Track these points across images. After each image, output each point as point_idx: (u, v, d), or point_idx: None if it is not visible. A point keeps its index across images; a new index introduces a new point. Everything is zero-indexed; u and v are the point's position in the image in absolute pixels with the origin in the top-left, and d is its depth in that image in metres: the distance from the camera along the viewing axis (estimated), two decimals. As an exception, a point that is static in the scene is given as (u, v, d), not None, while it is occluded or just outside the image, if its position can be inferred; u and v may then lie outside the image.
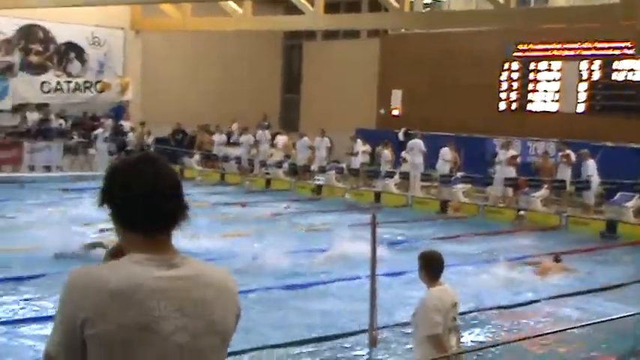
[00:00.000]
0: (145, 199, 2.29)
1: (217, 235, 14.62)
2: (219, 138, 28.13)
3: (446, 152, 22.57)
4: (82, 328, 2.18)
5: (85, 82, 29.46)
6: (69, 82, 29.14)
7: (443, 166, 22.54)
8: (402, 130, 26.63)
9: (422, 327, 5.85)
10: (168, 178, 2.36)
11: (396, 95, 29.08)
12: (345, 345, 8.96)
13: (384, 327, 6.78)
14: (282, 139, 27.50)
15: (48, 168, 26.25)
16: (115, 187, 2.33)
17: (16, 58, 28.34)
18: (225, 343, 2.37)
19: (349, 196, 22.96)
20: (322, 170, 24.77)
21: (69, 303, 2.22)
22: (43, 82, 28.69)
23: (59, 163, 26.67)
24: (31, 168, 25.93)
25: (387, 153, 23.66)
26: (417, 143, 22.95)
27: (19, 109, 28.14)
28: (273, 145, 27.22)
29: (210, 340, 2.31)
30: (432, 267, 6.01)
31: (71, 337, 2.21)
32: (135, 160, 2.39)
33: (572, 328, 9.10)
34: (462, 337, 6.28)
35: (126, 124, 29.01)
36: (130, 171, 2.35)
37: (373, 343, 6.05)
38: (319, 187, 23.92)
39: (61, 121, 28.23)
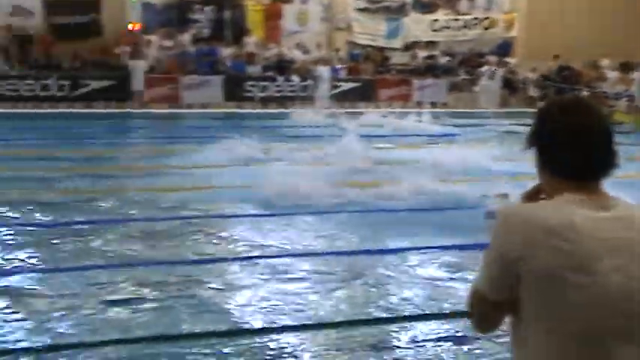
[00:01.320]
0: (576, 148, 2.23)
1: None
2: (610, 74, 26.58)
3: None
4: (517, 264, 2.19)
5: (473, 19, 29.76)
6: (457, 19, 29.68)
7: None
8: None
9: None
10: (601, 127, 2.26)
11: None
12: None
13: None
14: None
15: (434, 104, 27.15)
16: (544, 132, 2.30)
17: (408, -2, 29.56)
18: None
19: None
20: None
21: (503, 240, 2.23)
22: (433, 21, 29.59)
23: (444, 99, 27.47)
24: (419, 104, 27.02)
25: None
26: None
27: (409, 47, 29.46)
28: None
29: None
30: None
31: (504, 273, 2.23)
32: (568, 106, 2.32)
33: None
34: None
35: (511, 61, 28.80)
36: (562, 116, 2.27)
37: None
38: None
39: (448, 58, 28.95)
